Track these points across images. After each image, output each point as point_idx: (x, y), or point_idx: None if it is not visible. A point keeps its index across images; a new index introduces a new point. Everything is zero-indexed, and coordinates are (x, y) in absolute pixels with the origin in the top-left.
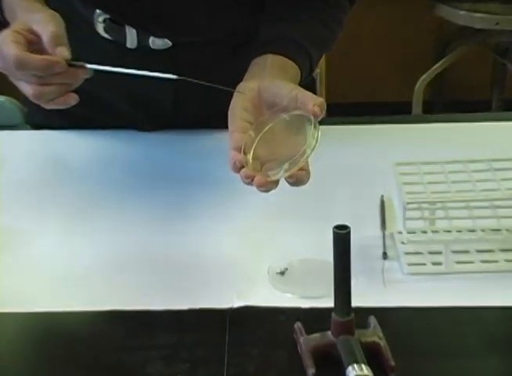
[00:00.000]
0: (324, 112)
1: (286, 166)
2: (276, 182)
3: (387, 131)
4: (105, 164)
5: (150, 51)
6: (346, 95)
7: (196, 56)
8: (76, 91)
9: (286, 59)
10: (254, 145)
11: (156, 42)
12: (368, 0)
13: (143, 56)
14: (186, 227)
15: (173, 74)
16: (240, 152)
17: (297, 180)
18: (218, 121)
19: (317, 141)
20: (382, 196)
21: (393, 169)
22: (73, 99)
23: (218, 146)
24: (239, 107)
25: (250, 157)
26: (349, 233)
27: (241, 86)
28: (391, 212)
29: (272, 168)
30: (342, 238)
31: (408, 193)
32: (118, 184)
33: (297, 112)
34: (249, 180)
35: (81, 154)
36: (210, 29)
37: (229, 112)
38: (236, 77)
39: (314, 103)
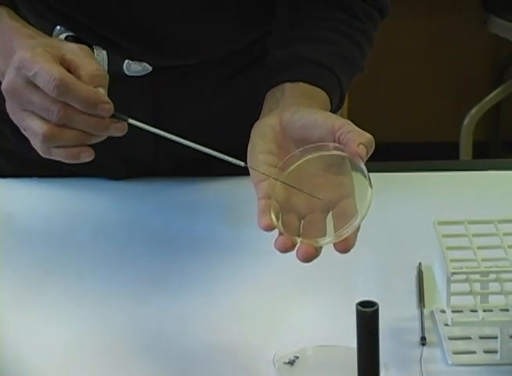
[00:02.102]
0: (371, 152)
1: (342, 231)
2: (320, 249)
3: (426, 181)
4: (70, 219)
5: (125, 78)
6: (373, 133)
7: (183, 84)
8: None
9: (308, 85)
10: (279, 192)
11: (132, 67)
12: (402, 11)
13: (116, 85)
14: (172, 304)
15: (152, 105)
16: (270, 210)
17: (348, 246)
18: (206, 167)
19: (371, 197)
20: (419, 264)
21: (434, 229)
22: (88, 155)
23: (207, 196)
24: (261, 151)
25: (278, 214)
26: (377, 310)
27: (256, 139)
28: (430, 285)
29: (316, 225)
30: (368, 317)
31: (453, 260)
32: (86, 246)
33: (335, 152)
34: (288, 249)
35: (37, 208)
36: (204, 48)
37: (249, 158)
38: (232, 110)
39: (359, 140)
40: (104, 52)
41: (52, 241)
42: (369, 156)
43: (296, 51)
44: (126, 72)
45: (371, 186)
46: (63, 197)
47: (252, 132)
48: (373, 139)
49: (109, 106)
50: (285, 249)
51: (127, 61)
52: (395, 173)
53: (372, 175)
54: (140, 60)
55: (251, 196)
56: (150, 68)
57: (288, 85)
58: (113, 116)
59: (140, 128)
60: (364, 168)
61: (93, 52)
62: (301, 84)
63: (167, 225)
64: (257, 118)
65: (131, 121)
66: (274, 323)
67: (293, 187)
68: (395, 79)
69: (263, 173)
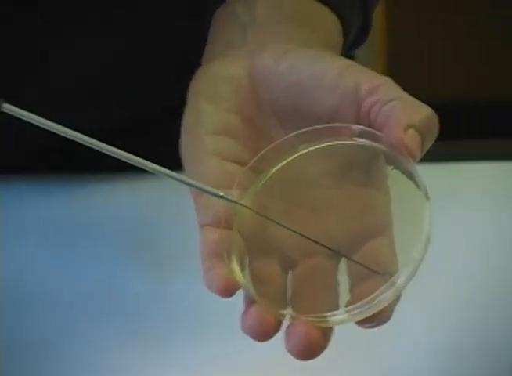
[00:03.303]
0: (429, 143)
1: (368, 303)
2: (331, 333)
3: None
4: None
5: None
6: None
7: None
8: None
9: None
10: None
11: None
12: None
13: None
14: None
15: None
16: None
17: (380, 321)
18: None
19: (431, 226)
20: None
21: None
22: None
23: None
24: (210, 127)
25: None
26: None
27: (200, 103)
28: None
29: (320, 284)
30: None
31: None
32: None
33: (360, 141)
34: (268, 331)
35: None
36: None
37: (185, 142)
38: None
39: (408, 119)
40: None
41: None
42: (426, 149)
43: None
44: None
45: (428, 203)
46: None
47: (191, 89)
48: (433, 116)
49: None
50: (262, 331)
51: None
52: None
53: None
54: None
55: None
56: None
57: None
58: None
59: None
60: (417, 171)
61: None
62: None
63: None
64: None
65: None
66: None
67: (271, 219)
68: None
69: (219, 195)
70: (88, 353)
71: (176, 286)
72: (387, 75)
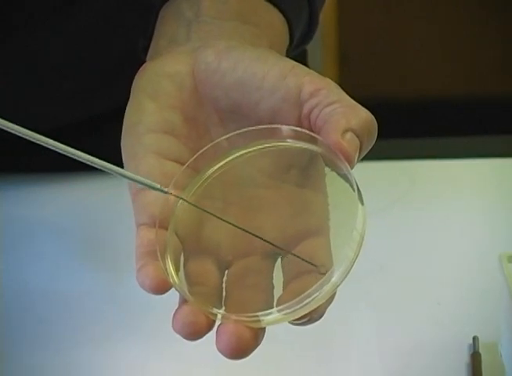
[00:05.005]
0: (367, 147)
1: (303, 301)
2: (263, 333)
3: (469, 173)
4: None
5: None
6: (372, 85)
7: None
8: None
9: None
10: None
11: None
12: None
13: None
14: None
15: None
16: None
17: (314, 316)
18: None
19: (364, 226)
20: (474, 340)
21: (501, 270)
22: None
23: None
24: (150, 125)
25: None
26: None
27: (142, 100)
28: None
29: (254, 283)
30: None
31: None
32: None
33: (299, 144)
34: (200, 330)
35: None
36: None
37: (125, 139)
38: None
39: (347, 124)
40: None
41: None
42: (363, 154)
43: None
44: None
45: (362, 205)
46: None
47: (133, 85)
48: (372, 119)
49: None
50: (193, 331)
51: None
52: (417, 161)
53: (373, 165)
54: None
55: None
56: None
57: None
58: None
59: None
60: (351, 174)
61: None
62: None
63: None
64: (142, 58)
65: None
66: None
67: (210, 212)
68: None
69: (158, 188)
70: (40, 352)
71: (128, 285)
72: (339, 75)
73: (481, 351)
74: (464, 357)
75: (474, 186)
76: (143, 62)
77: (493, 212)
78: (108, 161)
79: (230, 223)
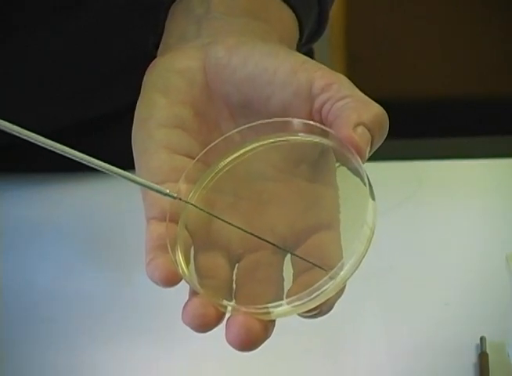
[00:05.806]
0: (379, 141)
1: (312, 294)
2: (272, 326)
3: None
4: None
5: None
6: (379, 85)
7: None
8: None
9: None
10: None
11: None
12: None
13: None
14: None
15: None
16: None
17: (324, 309)
18: None
19: (375, 221)
20: (482, 340)
21: (507, 268)
22: None
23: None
24: (161, 120)
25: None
26: None
27: (153, 95)
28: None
29: (264, 277)
30: None
31: None
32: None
33: (310, 137)
34: (210, 322)
35: None
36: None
37: (136, 134)
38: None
39: (358, 118)
40: None
41: None
42: (375, 148)
43: None
44: None
45: (373, 200)
46: None
47: (144, 81)
48: (384, 114)
49: None
50: (203, 323)
51: None
52: (427, 161)
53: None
54: None
55: None
56: None
57: None
58: None
59: None
60: (362, 168)
61: None
62: None
63: None
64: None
65: None
66: None
67: (216, 216)
68: None
69: (165, 193)
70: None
71: (132, 285)
72: (347, 75)
73: (488, 351)
74: (472, 357)
75: (482, 185)
76: (153, 57)
77: (500, 212)
78: (111, 164)
79: (235, 226)
